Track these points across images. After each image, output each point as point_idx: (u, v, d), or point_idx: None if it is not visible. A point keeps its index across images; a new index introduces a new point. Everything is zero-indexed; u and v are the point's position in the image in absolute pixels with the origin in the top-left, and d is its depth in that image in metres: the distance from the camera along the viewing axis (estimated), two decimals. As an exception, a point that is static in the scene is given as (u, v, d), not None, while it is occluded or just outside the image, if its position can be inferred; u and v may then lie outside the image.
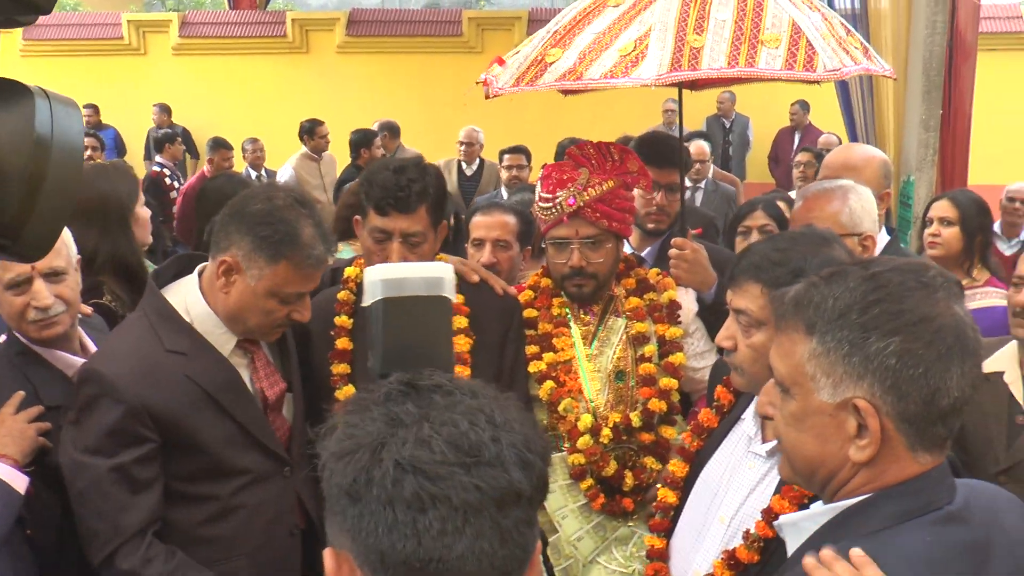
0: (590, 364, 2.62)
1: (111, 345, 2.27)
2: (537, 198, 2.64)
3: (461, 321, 2.54)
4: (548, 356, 2.59)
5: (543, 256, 2.81)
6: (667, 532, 2.21)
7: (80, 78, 11.87)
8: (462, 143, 8.51)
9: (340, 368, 2.52)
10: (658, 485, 2.31)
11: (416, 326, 1.11)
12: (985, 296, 3.75)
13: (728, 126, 11.13)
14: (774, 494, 1.92)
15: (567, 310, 2.68)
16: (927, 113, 5.39)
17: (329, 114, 9.42)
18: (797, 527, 1.46)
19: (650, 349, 2.61)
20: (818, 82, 3.22)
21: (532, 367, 2.60)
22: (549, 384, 2.56)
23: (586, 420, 2.51)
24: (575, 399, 2.55)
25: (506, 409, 1.00)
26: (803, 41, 2.49)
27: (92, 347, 2.38)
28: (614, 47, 2.54)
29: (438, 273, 1.15)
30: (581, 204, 2.52)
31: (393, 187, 2.40)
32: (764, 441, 2.02)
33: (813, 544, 1.37)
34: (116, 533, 2.09)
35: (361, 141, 8.09)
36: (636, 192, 2.80)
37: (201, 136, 11.40)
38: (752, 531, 1.93)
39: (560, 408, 2.54)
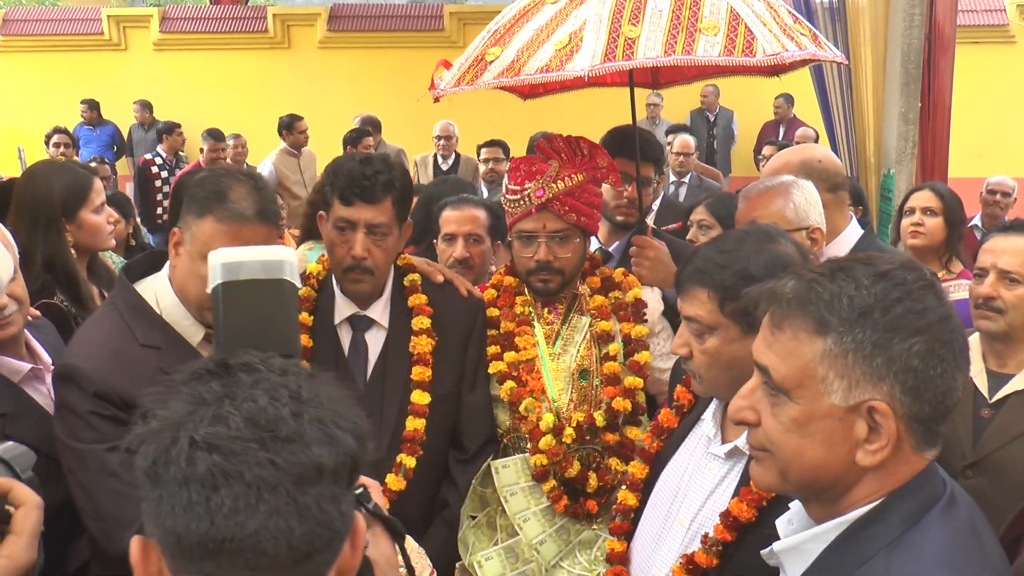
0: (553, 363, 2.57)
1: (84, 340, 2.21)
2: (505, 190, 2.61)
3: (424, 322, 2.51)
4: (509, 355, 2.56)
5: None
6: (627, 535, 2.17)
7: (60, 74, 11.81)
8: (438, 137, 8.50)
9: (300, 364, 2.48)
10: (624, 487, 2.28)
11: (253, 310, 1.08)
12: (959, 289, 3.75)
13: (712, 120, 11.12)
14: (732, 497, 1.89)
15: (530, 309, 2.64)
16: (906, 106, 5.37)
17: (311, 109, 9.36)
18: (799, 551, 1.37)
19: (615, 347, 2.56)
20: (774, 72, 3.21)
21: (492, 367, 2.56)
22: (510, 384, 2.52)
23: (548, 420, 2.47)
24: (537, 399, 2.51)
25: (318, 386, 0.97)
26: (742, 27, 2.47)
27: (40, 350, 2.32)
28: (550, 42, 2.52)
29: (277, 256, 1.10)
30: (550, 196, 2.48)
31: (359, 176, 2.36)
32: (723, 442, 1.98)
33: (827, 566, 1.31)
34: (140, 510, 2.04)
35: (352, 139, 8.10)
36: (605, 186, 2.77)
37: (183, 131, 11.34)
38: (711, 535, 1.89)
39: (521, 408, 2.50)
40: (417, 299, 2.55)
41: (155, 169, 9.18)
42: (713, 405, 2.05)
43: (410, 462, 2.44)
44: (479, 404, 2.59)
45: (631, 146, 3.05)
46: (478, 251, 3.20)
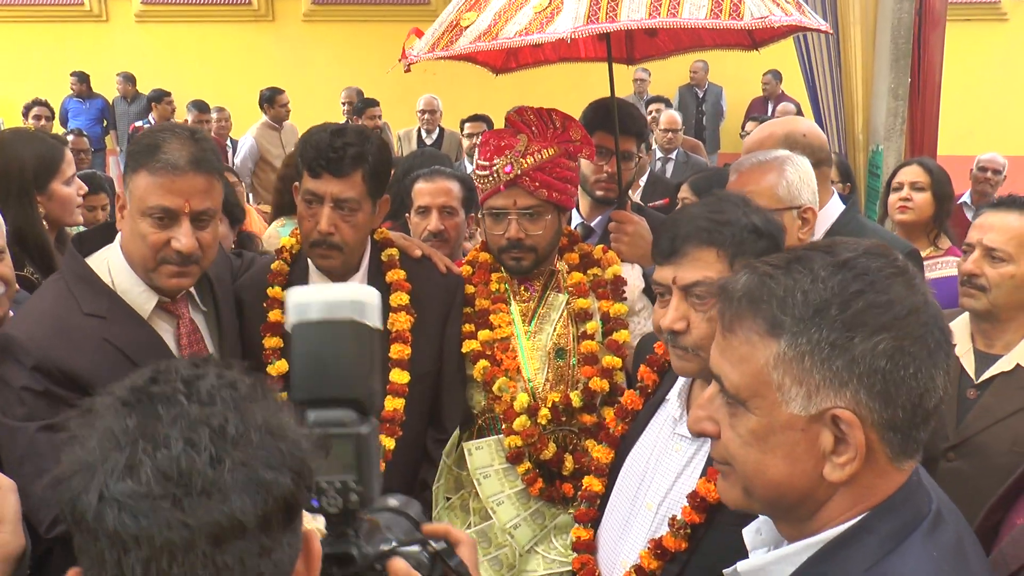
0: (529, 342, 2.50)
1: (26, 310, 2.14)
2: (475, 166, 2.53)
3: (402, 298, 2.44)
4: (483, 334, 2.49)
5: None
6: (594, 522, 2.12)
7: (41, 45, 11.62)
8: (422, 111, 8.42)
9: (272, 342, 2.41)
10: None
11: (320, 353, 1.03)
12: (946, 266, 3.71)
13: (701, 95, 11.02)
14: (700, 477, 1.83)
15: (506, 286, 2.57)
16: (896, 82, 5.29)
17: (295, 83, 9.26)
18: (765, 572, 1.24)
19: (592, 326, 2.49)
20: (754, 45, 3.12)
21: (466, 346, 2.49)
22: (483, 363, 2.45)
23: (522, 400, 2.41)
24: (512, 378, 2.44)
25: (253, 411, 0.87)
26: None
27: None
28: (529, 5, 2.42)
29: (348, 296, 1.05)
30: (519, 172, 2.40)
31: (327, 148, 2.27)
32: None
33: None
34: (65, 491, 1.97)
35: (359, 109, 8.12)
36: (584, 160, 2.69)
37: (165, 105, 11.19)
38: (679, 517, 1.84)
39: (495, 388, 2.43)
40: (395, 275, 2.47)
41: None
42: (679, 384, 1.99)
43: (389, 443, 2.38)
44: (458, 383, 2.53)
45: (612, 119, 2.97)
46: (452, 223, 3.13)
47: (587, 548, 2.10)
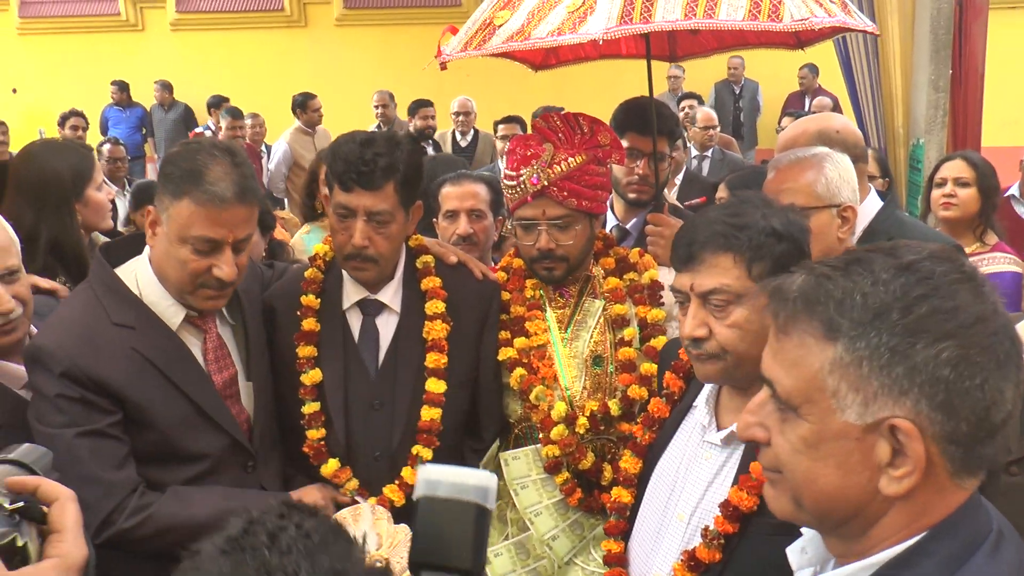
0: (566, 349, 2.45)
1: (55, 319, 2.15)
2: (503, 175, 2.48)
3: (438, 306, 2.39)
4: (519, 341, 2.44)
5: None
6: (624, 534, 2.07)
7: (78, 55, 11.79)
8: (456, 113, 8.38)
9: (306, 351, 2.38)
10: None
11: (443, 526, 1.17)
12: (993, 261, 3.61)
13: (738, 92, 10.88)
14: (732, 485, 1.79)
15: (541, 292, 2.52)
16: (936, 73, 5.18)
17: (327, 87, 9.29)
18: None
19: (630, 332, 2.43)
20: (799, 45, 3.05)
21: (502, 354, 2.44)
22: (520, 371, 2.40)
23: (560, 408, 2.35)
24: (549, 387, 2.39)
25: (320, 562, 0.95)
26: None
27: None
28: (562, 4, 2.37)
29: (474, 481, 1.19)
30: (545, 183, 2.34)
31: (357, 160, 2.22)
32: (719, 429, 1.87)
33: None
34: (108, 494, 2.01)
35: (412, 109, 8.13)
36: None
37: (202, 112, 11.30)
38: (711, 527, 1.79)
39: (532, 396, 2.38)
40: (430, 282, 2.43)
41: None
42: (706, 390, 1.94)
43: (427, 454, 2.34)
44: (495, 391, 2.49)
45: (643, 119, 2.91)
46: (481, 227, 3.10)
47: (618, 561, 2.05)
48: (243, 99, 10.04)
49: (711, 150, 7.35)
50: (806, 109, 9.09)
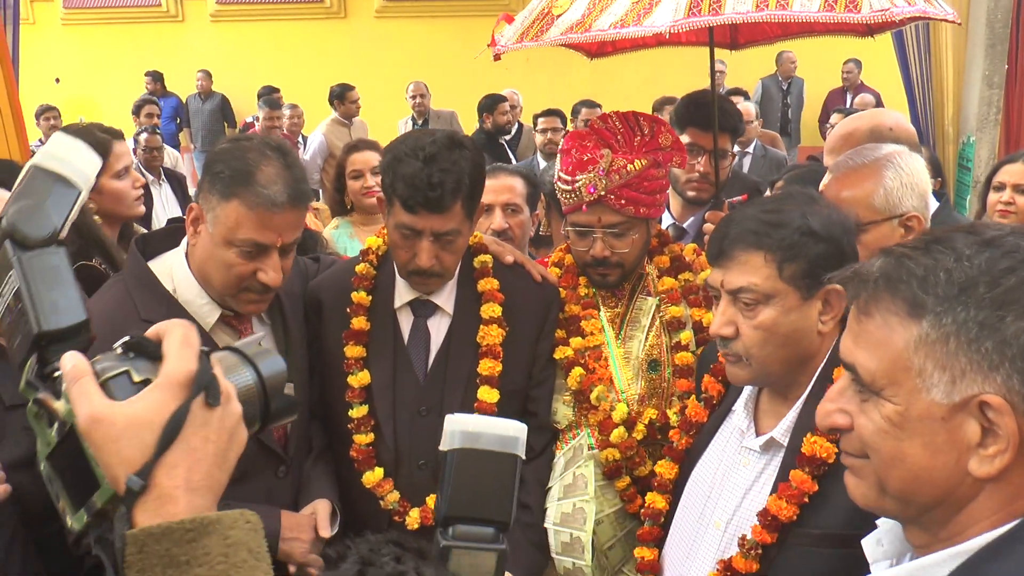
0: (620, 350, 2.36)
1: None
2: (556, 176, 2.36)
3: (495, 310, 2.28)
4: (575, 341, 2.34)
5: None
6: (658, 541, 2.02)
7: (120, 46, 11.86)
8: (511, 107, 8.28)
9: (355, 351, 2.28)
10: None
11: (484, 478, 1.17)
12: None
13: (787, 88, 10.65)
14: (771, 494, 1.72)
15: (594, 290, 2.42)
16: (991, 68, 5.04)
17: (367, 79, 9.27)
18: None
19: (686, 336, 2.34)
20: (869, 32, 2.93)
21: (559, 353, 2.34)
22: (578, 371, 2.30)
23: (621, 410, 2.26)
24: (607, 388, 2.30)
25: None
26: None
27: None
28: None
29: (513, 433, 1.19)
30: (603, 193, 2.23)
31: (424, 186, 2.06)
32: (758, 434, 1.81)
33: None
34: None
35: (488, 106, 8.02)
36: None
37: (239, 103, 11.35)
38: (749, 537, 1.73)
39: (592, 397, 2.28)
40: (488, 284, 2.32)
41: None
42: (745, 394, 1.88)
43: None
44: (545, 400, 2.38)
45: (706, 115, 2.82)
46: (517, 222, 3.01)
47: (651, 569, 2.00)
48: (282, 90, 10.05)
49: (752, 146, 7.20)
50: (848, 106, 8.89)
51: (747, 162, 7.08)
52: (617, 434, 2.23)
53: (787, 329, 1.71)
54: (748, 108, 7.46)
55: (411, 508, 2.27)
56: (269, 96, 9.06)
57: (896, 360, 1.06)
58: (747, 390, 1.88)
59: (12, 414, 2.01)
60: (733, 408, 1.91)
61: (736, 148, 7.22)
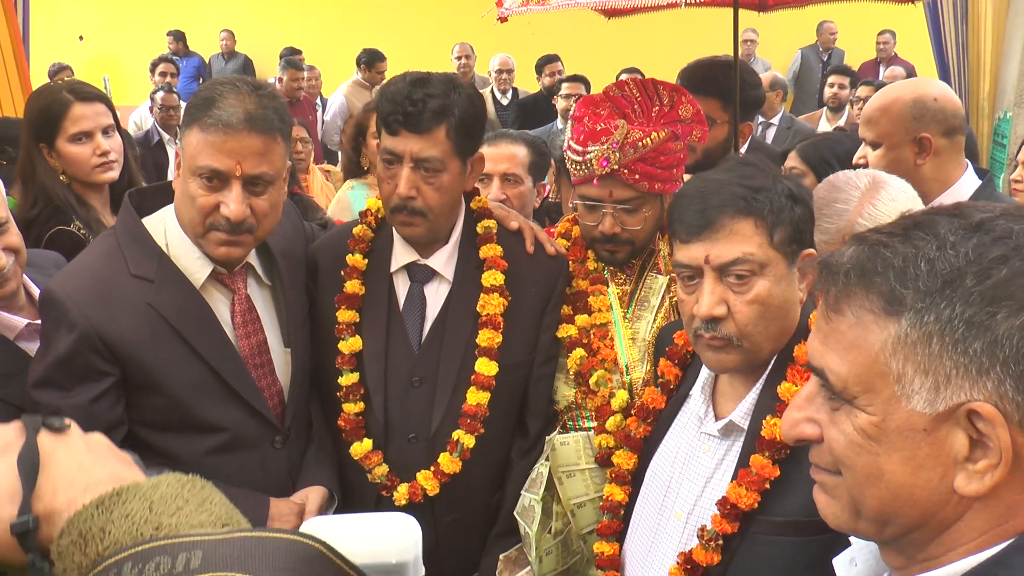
0: (627, 329, 2.24)
1: (73, 264, 2.04)
2: (566, 144, 2.23)
3: (496, 277, 2.18)
4: (581, 319, 2.22)
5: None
6: (618, 535, 1.91)
7: (143, 4, 11.78)
8: (499, 71, 8.25)
9: (347, 316, 2.19)
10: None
11: None
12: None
13: (827, 59, 10.38)
14: (731, 480, 1.63)
15: (603, 264, 2.30)
16: (1031, 41, 4.84)
17: (391, 42, 9.12)
18: None
19: None
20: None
21: (562, 331, 2.23)
22: (579, 352, 2.19)
23: (621, 397, 2.15)
24: (609, 371, 2.18)
25: None
26: None
27: (37, 293, 2.14)
28: None
29: (396, 558, 0.78)
30: (615, 167, 2.10)
31: (404, 100, 2.01)
32: (717, 419, 1.70)
33: None
34: None
35: (538, 67, 7.95)
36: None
37: (262, 64, 11.28)
38: (708, 527, 1.63)
39: (592, 381, 2.17)
40: (490, 250, 2.21)
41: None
42: (702, 377, 1.77)
43: (469, 440, 2.15)
44: (548, 378, 2.28)
45: (698, 82, 2.69)
46: (515, 192, 2.88)
47: (611, 564, 1.90)
48: (304, 52, 9.97)
49: (777, 117, 7.02)
50: (879, 79, 8.66)
51: (771, 133, 6.91)
52: (613, 422, 2.12)
53: (779, 300, 1.61)
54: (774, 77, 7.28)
55: (399, 483, 2.19)
56: (291, 57, 8.96)
57: (871, 364, 0.94)
58: (704, 373, 1.78)
59: None
60: (690, 393, 1.81)
61: (760, 119, 7.07)
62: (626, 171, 2.10)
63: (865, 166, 2.61)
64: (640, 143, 2.08)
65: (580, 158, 2.13)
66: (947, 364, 0.89)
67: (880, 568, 1.08)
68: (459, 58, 8.83)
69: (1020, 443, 0.88)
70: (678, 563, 1.68)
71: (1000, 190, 4.39)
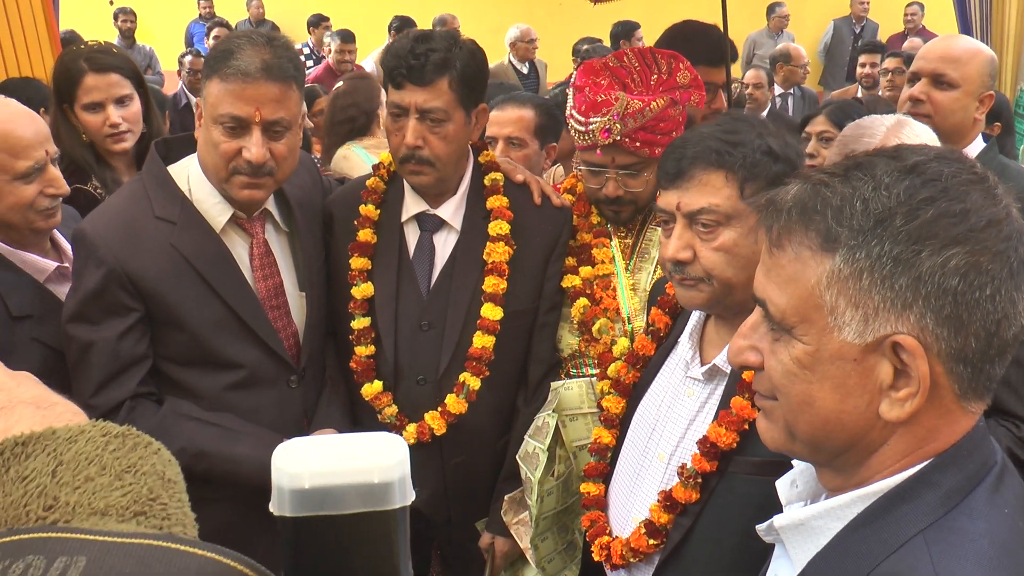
0: (629, 280, 2.32)
1: (103, 205, 2.19)
2: (568, 112, 2.30)
3: (502, 227, 2.27)
4: (585, 270, 2.32)
5: None
6: (604, 477, 1.99)
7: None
8: (528, 40, 8.27)
9: (359, 263, 2.30)
10: None
11: (342, 552, 0.72)
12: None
13: (859, 31, 10.29)
14: (712, 421, 1.69)
15: (606, 218, 2.39)
16: (1057, 9, 4.81)
17: (422, 8, 9.11)
18: (808, 528, 1.08)
19: None
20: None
21: (567, 281, 2.32)
22: (583, 301, 2.28)
23: (623, 344, 2.23)
24: (611, 320, 2.27)
25: None
26: None
27: (65, 246, 2.28)
28: None
29: (378, 477, 0.71)
30: (617, 138, 2.17)
31: (407, 55, 2.12)
32: (703, 364, 1.76)
33: (844, 552, 1.03)
34: (103, 404, 2.04)
35: (623, 33, 8.00)
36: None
37: (288, 31, 11.27)
38: (688, 466, 1.70)
39: (594, 329, 2.26)
40: (496, 201, 2.30)
41: (302, 59, 9.33)
42: (691, 324, 1.83)
43: (474, 383, 2.26)
44: (552, 326, 2.37)
45: (709, 49, 2.73)
46: (520, 156, 2.94)
47: (597, 504, 1.98)
48: (337, 16, 10.01)
49: (794, 88, 7.01)
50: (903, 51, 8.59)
51: (790, 104, 6.91)
52: (614, 368, 2.19)
53: (747, 251, 1.66)
54: (798, 50, 7.27)
55: (408, 423, 2.29)
56: (343, 31, 8.98)
57: (807, 297, 1.01)
58: (692, 320, 1.84)
59: (20, 325, 2.08)
60: (679, 339, 1.88)
61: (779, 90, 7.07)
62: (628, 140, 2.18)
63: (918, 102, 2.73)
64: (640, 113, 2.16)
65: (583, 128, 2.22)
66: (875, 298, 0.96)
67: (819, 490, 1.16)
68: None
69: (938, 372, 0.97)
70: (658, 501, 1.75)
71: (1021, 161, 4.39)
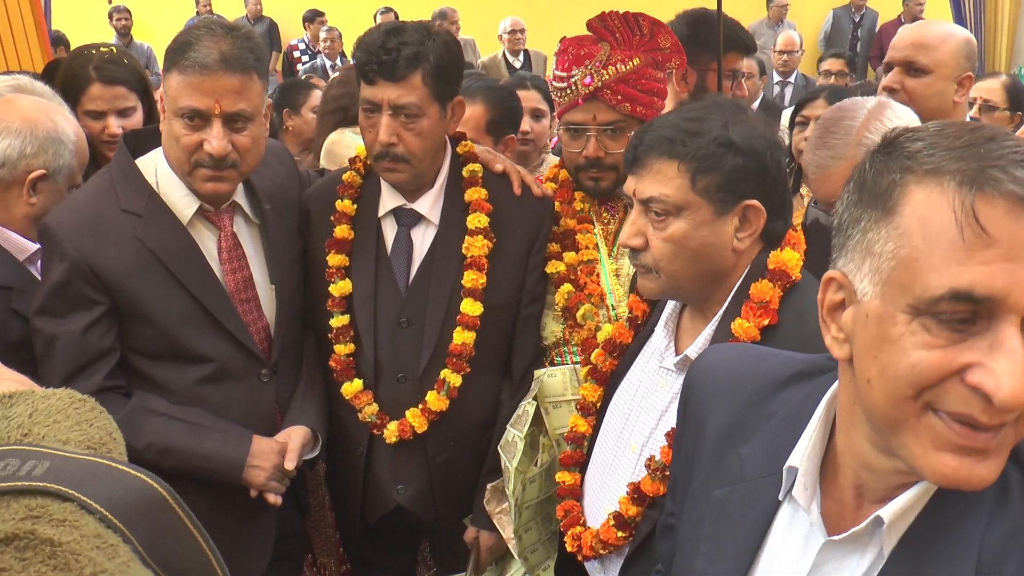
0: (613, 266, 2.32)
1: (69, 199, 2.18)
2: (552, 76, 2.31)
3: (481, 220, 2.23)
4: (569, 256, 2.30)
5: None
6: (580, 466, 1.97)
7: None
8: (511, 32, 8.24)
9: (336, 259, 2.27)
10: None
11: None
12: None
13: (859, 20, 10.24)
14: None
15: (588, 205, 2.37)
16: (1051, -6, 4.78)
17: (421, 2, 9.11)
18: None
19: None
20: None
21: (550, 267, 2.30)
22: (567, 287, 2.27)
23: (607, 331, 2.19)
24: (596, 306, 2.26)
25: None
26: None
27: None
28: None
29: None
30: (599, 84, 2.17)
31: (379, 49, 2.07)
32: (677, 354, 1.74)
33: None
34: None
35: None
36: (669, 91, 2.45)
37: (285, 26, 11.28)
38: (657, 458, 1.68)
39: (578, 315, 2.24)
40: (475, 193, 2.26)
41: (297, 54, 9.58)
42: (666, 313, 1.81)
43: (455, 379, 2.23)
44: (535, 318, 2.34)
45: (725, 37, 2.74)
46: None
47: (571, 494, 1.96)
48: (327, 13, 9.99)
49: (793, 75, 6.98)
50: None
51: (788, 92, 6.89)
52: (598, 355, 2.19)
53: (697, 244, 1.65)
54: (792, 37, 7.24)
55: (389, 421, 2.27)
56: (313, 17, 9.09)
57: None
58: (668, 309, 1.83)
59: (1, 295, 2.08)
60: (656, 328, 1.86)
61: (777, 78, 7.04)
62: (608, 92, 2.18)
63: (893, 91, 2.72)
64: (622, 63, 2.18)
65: (564, 84, 2.22)
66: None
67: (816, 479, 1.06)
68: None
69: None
70: (627, 493, 1.74)
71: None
